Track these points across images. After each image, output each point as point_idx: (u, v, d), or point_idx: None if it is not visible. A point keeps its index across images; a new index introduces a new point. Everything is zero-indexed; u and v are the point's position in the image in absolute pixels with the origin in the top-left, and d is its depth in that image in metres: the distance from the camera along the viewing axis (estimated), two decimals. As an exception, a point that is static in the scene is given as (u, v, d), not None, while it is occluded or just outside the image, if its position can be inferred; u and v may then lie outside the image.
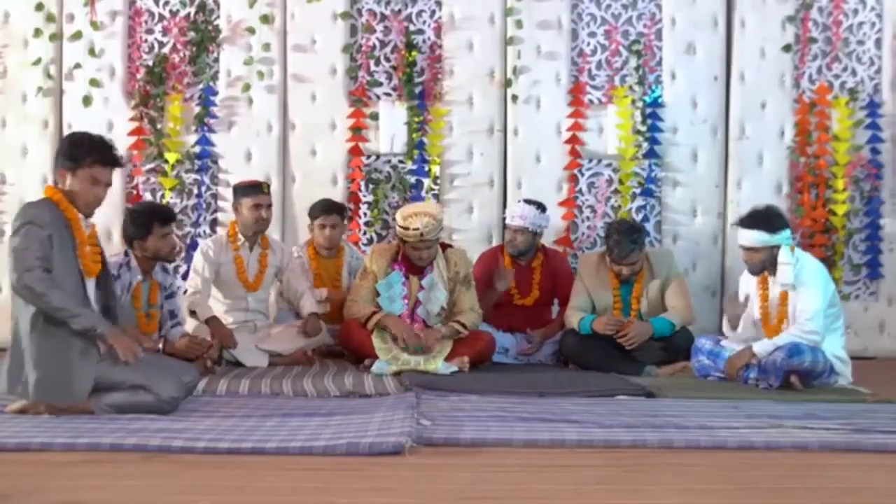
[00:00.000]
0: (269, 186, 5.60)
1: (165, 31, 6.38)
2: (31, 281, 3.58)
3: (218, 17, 6.38)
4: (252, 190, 5.45)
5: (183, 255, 6.21)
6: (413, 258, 5.25)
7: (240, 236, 5.49)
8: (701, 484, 2.85)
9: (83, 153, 3.77)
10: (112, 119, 6.33)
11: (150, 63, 6.34)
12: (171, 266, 5.25)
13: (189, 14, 6.37)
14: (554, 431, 3.41)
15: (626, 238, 5.23)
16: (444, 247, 5.47)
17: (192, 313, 5.27)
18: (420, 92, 6.40)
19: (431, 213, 5.22)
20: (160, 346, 4.81)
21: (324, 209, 5.84)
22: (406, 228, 5.16)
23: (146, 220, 4.87)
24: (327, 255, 5.90)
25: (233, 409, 3.84)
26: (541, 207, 5.70)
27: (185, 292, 5.42)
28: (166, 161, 6.30)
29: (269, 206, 5.54)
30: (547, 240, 6.02)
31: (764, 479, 2.93)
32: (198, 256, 5.46)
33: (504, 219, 5.82)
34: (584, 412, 3.82)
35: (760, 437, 3.35)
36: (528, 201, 5.73)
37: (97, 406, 3.66)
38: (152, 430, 3.30)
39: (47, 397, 3.63)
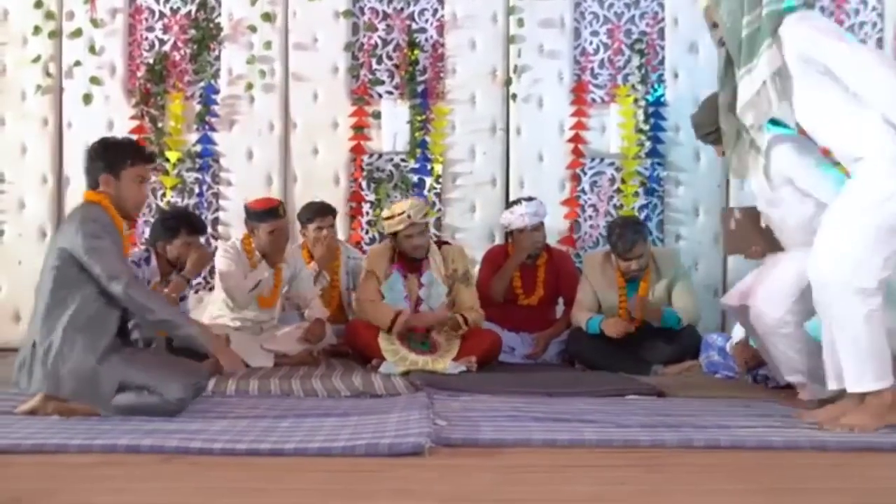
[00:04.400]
0: (284, 209, 5.43)
1: (166, 29, 6.35)
2: (135, 293, 3.61)
3: (219, 14, 6.35)
4: (268, 215, 5.26)
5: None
6: (408, 249, 5.23)
7: (256, 253, 5.37)
8: (725, 484, 2.83)
9: (124, 155, 3.80)
10: (112, 117, 6.30)
11: (151, 61, 6.31)
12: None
13: (190, 12, 6.34)
14: (573, 431, 3.38)
15: (630, 230, 5.23)
16: (441, 244, 5.46)
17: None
18: (422, 90, 6.38)
19: (412, 200, 5.35)
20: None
21: (318, 211, 5.80)
22: (392, 217, 5.22)
23: (175, 223, 4.93)
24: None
25: (245, 409, 3.80)
26: (531, 199, 5.71)
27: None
28: (167, 160, 6.26)
29: (286, 227, 5.45)
30: (550, 239, 6.00)
31: (788, 479, 2.91)
32: (224, 261, 5.32)
33: (510, 228, 5.71)
34: (599, 412, 3.79)
35: (779, 437, 3.33)
36: (521, 200, 5.72)
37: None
38: (168, 430, 3.26)
39: (78, 395, 3.60)
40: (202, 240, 5.17)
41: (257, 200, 5.43)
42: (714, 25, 3.73)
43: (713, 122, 4.10)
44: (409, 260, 5.30)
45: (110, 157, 3.79)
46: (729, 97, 3.81)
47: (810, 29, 3.51)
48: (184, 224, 4.94)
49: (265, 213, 5.28)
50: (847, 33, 3.75)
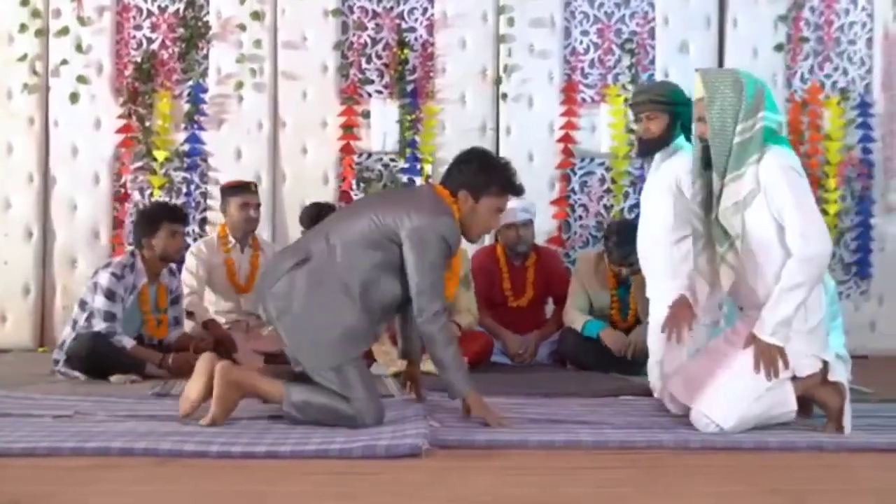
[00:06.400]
0: (256, 185, 5.60)
1: (154, 28, 6.30)
2: (443, 323, 3.48)
3: (207, 13, 6.31)
4: (240, 190, 5.45)
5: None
6: None
7: (230, 238, 5.45)
8: (723, 486, 2.82)
9: (495, 179, 3.63)
10: (99, 116, 6.25)
11: (139, 60, 6.25)
12: (174, 266, 5.19)
13: (178, 10, 6.29)
14: (568, 433, 3.37)
15: (627, 240, 5.20)
16: None
17: (190, 314, 5.21)
18: (412, 90, 6.36)
19: None
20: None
21: (319, 218, 5.78)
22: None
23: (156, 215, 4.88)
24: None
25: (239, 411, 3.75)
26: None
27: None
28: (155, 159, 6.21)
29: (258, 205, 5.53)
30: (539, 239, 5.98)
31: (786, 480, 2.91)
32: (189, 258, 5.42)
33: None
34: (593, 413, 3.79)
35: (776, 438, 3.33)
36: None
37: (287, 399, 3.45)
38: (161, 433, 3.23)
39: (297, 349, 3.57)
40: (186, 231, 5.16)
41: (231, 180, 5.67)
42: (700, 119, 3.55)
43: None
44: None
45: (485, 175, 3.61)
46: (703, 195, 3.63)
47: (781, 173, 3.42)
48: (165, 213, 4.91)
49: (236, 188, 5.46)
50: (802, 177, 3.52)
